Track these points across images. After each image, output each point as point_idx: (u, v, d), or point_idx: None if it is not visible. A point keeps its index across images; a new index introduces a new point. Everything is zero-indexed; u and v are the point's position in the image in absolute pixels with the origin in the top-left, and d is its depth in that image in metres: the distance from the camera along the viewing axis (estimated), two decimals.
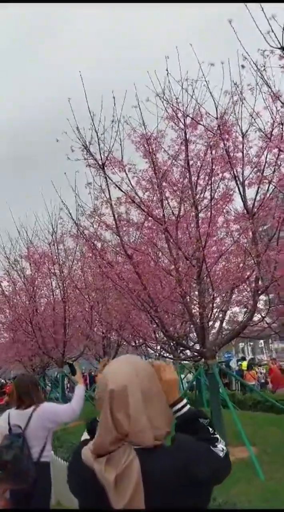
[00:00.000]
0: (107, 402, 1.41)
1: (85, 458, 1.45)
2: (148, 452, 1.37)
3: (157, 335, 12.10)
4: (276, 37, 4.57)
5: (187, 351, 12.34)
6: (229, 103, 6.74)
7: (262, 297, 9.04)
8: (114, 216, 7.40)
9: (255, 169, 7.19)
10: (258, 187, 7.34)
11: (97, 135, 7.42)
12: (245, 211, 7.44)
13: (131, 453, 1.36)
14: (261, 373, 18.93)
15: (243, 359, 23.61)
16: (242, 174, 7.47)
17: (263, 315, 8.64)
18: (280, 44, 4.63)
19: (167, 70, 6.76)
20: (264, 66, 4.87)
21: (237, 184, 7.45)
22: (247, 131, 7.22)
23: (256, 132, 6.98)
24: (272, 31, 4.53)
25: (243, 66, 5.07)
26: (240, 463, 6.67)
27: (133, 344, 12.76)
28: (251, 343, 52.24)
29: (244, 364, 19.87)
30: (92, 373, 24.70)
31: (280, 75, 4.73)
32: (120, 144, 7.66)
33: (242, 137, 7.32)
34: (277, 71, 4.69)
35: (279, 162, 6.91)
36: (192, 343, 9.32)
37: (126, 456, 1.36)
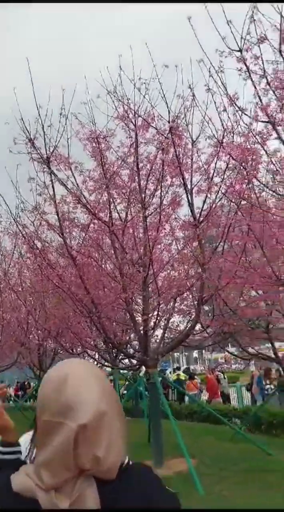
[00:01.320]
0: (71, 438, 1.03)
1: (22, 487, 1.10)
2: (104, 483, 1.08)
3: (97, 343, 11.72)
4: (234, 39, 4.53)
5: (126, 359, 12.08)
6: (182, 107, 6.63)
7: (205, 307, 9.04)
8: (57, 215, 7.00)
9: (204, 176, 7.15)
10: (206, 196, 7.31)
11: (43, 128, 7.01)
12: (192, 218, 7.37)
13: (87, 480, 1.06)
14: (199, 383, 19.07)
15: (178, 368, 23.69)
16: (191, 181, 7.41)
17: (205, 325, 8.61)
18: (238, 46, 4.59)
19: (120, 67, 6.53)
20: (222, 67, 4.81)
21: (185, 191, 7.37)
22: (198, 137, 7.18)
23: (206, 140, 6.95)
24: (231, 32, 4.48)
25: (201, 60, 4.95)
26: (179, 476, 6.48)
27: (71, 352, 12.27)
28: (186, 353, 53.09)
29: (182, 374, 19.93)
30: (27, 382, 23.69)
31: (237, 78, 4.69)
32: (67, 141, 7.32)
33: (192, 144, 7.27)
34: (234, 74, 4.64)
35: (228, 173, 6.92)
36: (134, 351, 9.08)
37: (80, 483, 1.05)
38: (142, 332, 7.28)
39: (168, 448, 7.49)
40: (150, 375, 7.40)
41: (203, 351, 48.99)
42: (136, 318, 7.75)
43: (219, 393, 16.25)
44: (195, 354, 54.13)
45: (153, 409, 7.67)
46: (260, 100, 4.64)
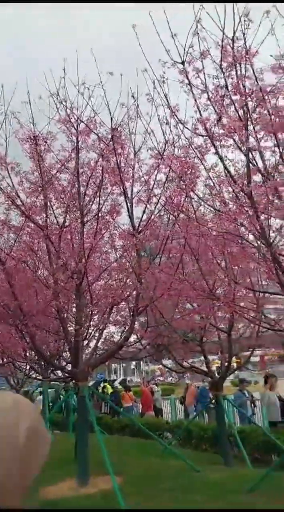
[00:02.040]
0: None
1: None
2: None
3: (27, 354, 11.18)
4: (177, 50, 4.52)
5: (59, 371, 11.65)
6: (125, 116, 6.56)
7: (140, 318, 8.95)
8: None
9: (144, 187, 7.11)
10: (146, 206, 7.27)
11: None
12: (131, 228, 7.29)
13: None
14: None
15: (105, 381, 23.35)
16: (131, 190, 7.35)
17: (139, 336, 8.51)
18: (181, 58, 4.58)
19: (64, 70, 6.35)
20: (164, 78, 4.78)
21: (125, 200, 7.28)
22: (140, 148, 7.14)
23: (148, 151, 6.92)
24: (175, 45, 4.47)
25: (145, 70, 4.90)
26: (103, 495, 6.24)
27: None
28: (124, 364, 52.82)
29: (108, 386, 19.69)
30: None
31: (179, 90, 4.67)
32: (6, 140, 6.98)
33: (134, 154, 7.23)
34: (178, 86, 4.62)
35: (167, 185, 6.93)
36: (65, 363, 8.75)
37: None
38: (73, 342, 7.01)
39: (96, 464, 7.22)
40: (79, 388, 7.12)
41: (141, 362, 49.10)
42: (70, 329, 7.47)
43: (152, 406, 16.21)
44: (132, 365, 54.05)
45: (80, 424, 7.37)
46: (200, 114, 4.67)
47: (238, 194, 4.52)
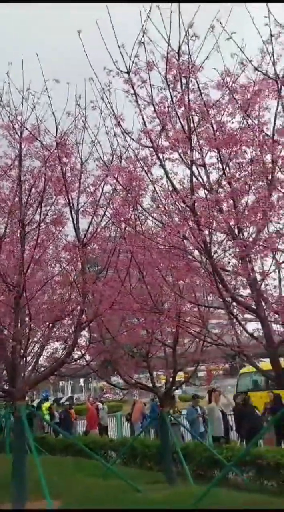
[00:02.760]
0: None
1: None
2: None
3: None
4: (123, 60, 4.47)
5: None
6: (71, 125, 6.41)
7: (84, 333, 8.69)
8: None
9: (91, 198, 6.96)
10: (92, 218, 7.12)
11: None
12: (76, 240, 7.09)
13: None
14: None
15: (46, 399, 22.61)
16: (77, 202, 7.18)
17: (82, 352, 8.23)
18: (127, 68, 4.54)
19: (7, 74, 6.11)
20: (109, 87, 4.71)
21: (70, 211, 7.10)
22: (87, 159, 7.01)
23: (95, 162, 6.81)
24: (121, 53, 4.42)
25: (91, 79, 4.80)
26: None
27: None
28: (72, 382, 51.65)
29: (46, 404, 19.10)
30: None
31: (125, 100, 4.61)
32: None
33: (81, 165, 7.08)
34: (121, 95, 4.56)
35: (113, 197, 6.82)
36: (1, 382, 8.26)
37: None
38: (10, 359, 6.63)
39: (32, 488, 6.82)
40: (16, 408, 6.73)
41: (90, 379, 48.17)
42: (9, 346, 7.08)
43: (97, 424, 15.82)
44: (81, 382, 52.89)
45: (16, 445, 6.95)
46: (145, 125, 4.63)
47: (180, 207, 4.49)
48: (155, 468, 10.59)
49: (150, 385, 9.71)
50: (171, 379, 9.21)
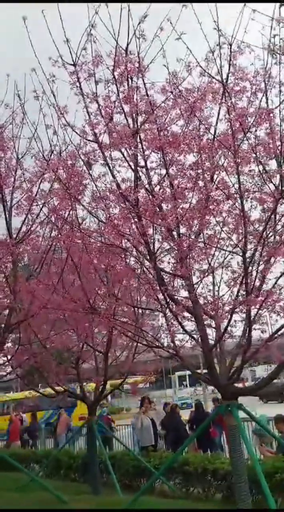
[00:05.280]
0: None
1: None
2: None
3: None
4: (70, 52, 4.39)
5: None
6: (9, 118, 6.17)
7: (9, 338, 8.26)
8: None
9: (26, 195, 6.71)
10: (26, 216, 6.86)
11: None
12: (8, 237, 6.77)
13: None
14: None
15: None
16: (11, 198, 6.89)
17: (9, 357, 7.81)
18: (73, 60, 4.46)
19: None
20: (53, 77, 4.58)
21: (3, 207, 6.79)
22: (24, 154, 6.77)
23: (32, 157, 6.59)
24: (68, 46, 4.33)
25: (33, 70, 4.64)
26: None
27: None
28: None
29: None
30: None
31: (69, 91, 4.51)
32: None
33: (17, 160, 6.82)
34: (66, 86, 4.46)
35: (51, 194, 6.63)
36: None
37: None
38: None
39: None
40: None
41: (12, 390, 45.96)
42: None
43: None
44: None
45: None
46: (89, 117, 4.56)
47: (123, 203, 4.47)
48: (80, 479, 10.30)
49: (79, 393, 9.47)
50: (100, 387, 9.04)
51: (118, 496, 8.27)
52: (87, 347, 8.58)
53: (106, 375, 8.61)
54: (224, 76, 4.18)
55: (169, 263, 4.72)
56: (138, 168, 4.64)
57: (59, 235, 5.95)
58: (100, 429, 12.14)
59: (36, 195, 6.57)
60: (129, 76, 4.33)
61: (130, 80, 4.38)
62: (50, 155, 6.31)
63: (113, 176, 4.61)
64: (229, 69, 4.24)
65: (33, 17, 4.55)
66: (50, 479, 10.52)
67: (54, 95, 4.69)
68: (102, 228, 5.29)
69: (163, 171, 4.55)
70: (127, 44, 4.32)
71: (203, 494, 7.95)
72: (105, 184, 4.76)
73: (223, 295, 5.02)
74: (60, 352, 8.51)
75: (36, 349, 7.94)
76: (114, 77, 4.39)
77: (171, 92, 4.53)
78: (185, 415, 13.12)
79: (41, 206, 6.53)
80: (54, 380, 9.04)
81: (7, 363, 7.70)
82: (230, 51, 4.14)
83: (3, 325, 6.99)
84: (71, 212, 5.60)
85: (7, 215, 6.79)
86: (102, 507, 7.23)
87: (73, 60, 4.49)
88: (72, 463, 10.59)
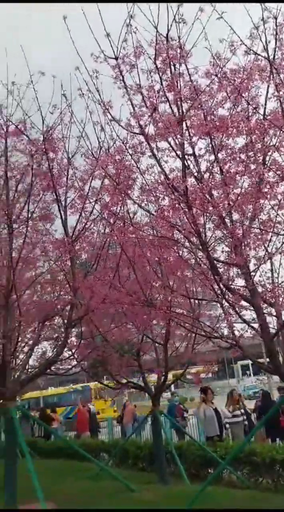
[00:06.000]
0: None
1: None
2: None
3: None
4: (111, 46, 4.39)
5: None
6: (57, 119, 6.31)
7: (74, 332, 8.53)
8: None
9: (79, 194, 6.84)
10: (80, 214, 7.01)
11: None
12: (65, 237, 6.97)
13: None
14: None
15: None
16: (65, 197, 7.06)
17: (73, 351, 8.08)
18: (114, 54, 4.46)
19: None
20: (96, 73, 4.62)
21: (58, 207, 6.98)
22: (74, 153, 6.90)
23: (82, 156, 6.71)
24: (109, 40, 4.33)
25: (77, 68, 4.71)
26: None
27: None
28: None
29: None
30: None
31: (112, 87, 4.53)
32: None
33: (68, 160, 6.97)
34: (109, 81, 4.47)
35: (102, 192, 6.72)
36: None
37: None
38: (0, 359, 6.47)
39: (24, 491, 6.64)
40: (6, 409, 6.55)
41: (78, 382, 47.77)
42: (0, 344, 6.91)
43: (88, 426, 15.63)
44: (70, 385, 52.42)
45: (8, 449, 6.76)
46: (134, 109, 4.54)
47: (172, 193, 4.41)
48: (147, 469, 10.47)
49: (142, 384, 9.60)
50: (162, 378, 9.10)
51: (186, 485, 8.32)
52: (147, 339, 8.66)
53: (167, 366, 8.65)
54: (271, 52, 3.98)
55: (223, 251, 4.62)
56: (185, 156, 4.57)
57: (112, 231, 6.02)
58: (171, 418, 12.28)
59: (88, 193, 6.68)
60: (171, 63, 4.26)
61: (172, 67, 4.31)
62: (99, 152, 6.40)
63: (161, 167, 4.57)
64: (275, 44, 4.04)
65: (74, 16, 4.60)
66: (118, 468, 10.81)
67: (98, 91, 4.73)
68: (153, 221, 5.28)
69: (212, 157, 4.45)
70: (167, 31, 4.26)
71: (272, 485, 7.79)
72: (153, 176, 4.74)
73: (283, 281, 4.84)
74: (121, 344, 8.65)
75: (98, 343, 8.14)
76: (156, 66, 4.35)
77: (216, 75, 4.41)
78: (250, 404, 12.89)
79: (93, 203, 6.62)
80: (117, 372, 9.24)
81: (71, 356, 7.96)
82: (276, 25, 3.94)
83: (66, 321, 7.20)
84: (122, 207, 5.64)
85: (63, 215, 6.95)
86: (171, 496, 7.31)
87: (114, 54, 4.49)
88: (139, 453, 10.79)
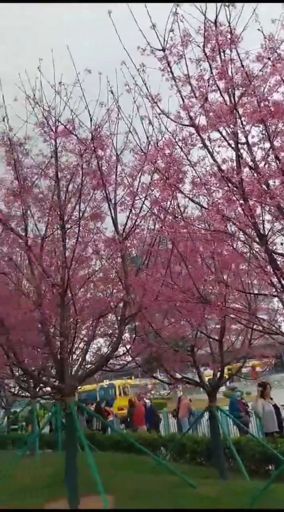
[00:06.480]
0: None
1: None
2: None
3: (14, 371, 10.68)
4: (157, 37, 4.29)
5: (47, 387, 11.15)
6: (105, 115, 6.30)
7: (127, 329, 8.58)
8: None
9: (128, 190, 6.81)
10: (130, 211, 6.98)
11: None
12: (115, 234, 6.98)
13: None
14: None
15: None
16: (115, 195, 7.06)
17: (127, 348, 8.14)
18: (161, 45, 4.36)
19: (39, 68, 6.06)
20: (143, 67, 4.53)
21: (108, 205, 6.99)
22: (123, 150, 6.87)
23: (130, 152, 6.66)
24: (155, 30, 4.24)
25: (123, 63, 4.65)
26: None
27: None
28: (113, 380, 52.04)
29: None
30: None
31: (160, 79, 4.43)
32: None
33: (116, 156, 6.95)
34: (156, 74, 4.38)
35: (152, 187, 6.65)
36: (51, 378, 8.28)
37: None
38: (58, 356, 6.62)
39: (87, 483, 6.79)
40: (66, 404, 6.70)
41: (132, 377, 48.39)
42: (56, 343, 7.08)
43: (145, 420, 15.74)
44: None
45: (69, 443, 6.93)
46: (183, 101, 4.42)
47: (226, 185, 4.25)
48: (205, 464, 10.38)
49: (197, 379, 9.50)
50: (218, 373, 8.94)
51: (246, 481, 8.16)
52: (201, 335, 8.54)
53: (223, 361, 8.48)
54: None
55: (282, 244, 4.40)
56: (239, 145, 4.40)
57: (163, 227, 5.94)
58: (234, 413, 12.06)
59: (137, 189, 6.63)
60: (221, 49, 4.10)
61: (222, 54, 4.14)
62: (147, 147, 6.32)
63: (213, 158, 4.42)
64: None
65: (119, 9, 4.54)
66: (176, 462, 10.80)
67: (145, 84, 4.65)
68: (205, 215, 5.13)
69: (267, 145, 4.24)
70: (216, 16, 4.09)
71: None
72: (205, 168, 4.60)
73: None
74: (176, 340, 8.58)
75: (152, 339, 8.13)
76: (205, 53, 4.19)
77: (268, 58, 4.18)
78: None
79: (143, 199, 6.57)
80: (172, 367, 9.20)
81: (126, 352, 8.01)
82: None
83: (119, 318, 7.24)
84: (172, 202, 5.54)
85: (113, 212, 6.96)
86: (231, 492, 7.17)
87: (161, 45, 4.39)
88: (197, 447, 10.72)
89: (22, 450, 13.14)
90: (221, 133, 4.40)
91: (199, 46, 4.24)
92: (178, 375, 9.63)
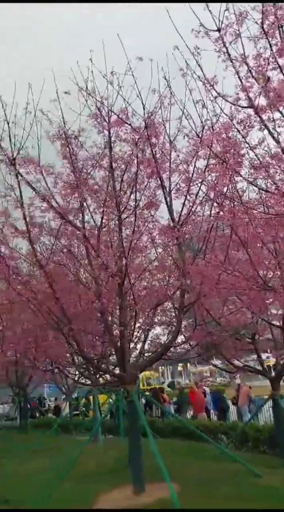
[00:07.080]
0: None
1: None
2: None
3: (75, 359, 11.04)
4: (212, 17, 4.12)
5: (108, 375, 11.43)
6: (158, 102, 6.21)
7: (187, 317, 8.51)
8: (25, 218, 6.43)
9: (183, 176, 6.69)
10: (185, 197, 6.87)
11: (9, 127, 6.50)
12: (171, 222, 6.91)
13: None
14: None
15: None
16: (169, 182, 6.97)
17: (186, 336, 8.10)
18: (217, 26, 4.18)
19: (90, 60, 6.06)
20: (198, 49, 4.39)
21: (163, 192, 6.92)
22: (176, 136, 6.75)
23: (184, 137, 6.53)
24: (209, 9, 4.07)
25: (176, 47, 4.53)
26: (161, 504, 5.88)
27: (44, 368, 11.52)
28: (171, 366, 52.43)
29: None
30: None
31: (216, 61, 4.26)
32: (38, 143, 6.80)
33: (170, 143, 6.85)
34: (211, 56, 4.21)
35: (208, 171, 6.49)
36: (112, 367, 8.46)
37: None
38: (119, 345, 6.72)
39: (150, 470, 6.88)
40: (128, 392, 6.81)
41: (188, 364, 48.42)
42: (115, 332, 7.19)
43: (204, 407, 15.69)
44: (179, 367, 53.41)
45: (131, 430, 7.06)
46: (241, 82, 4.23)
47: None
48: (269, 452, 10.17)
49: (259, 367, 9.30)
50: (281, 361, 8.70)
51: None
52: (262, 321, 8.31)
53: None
54: None
55: None
56: None
57: (221, 212, 5.78)
58: None
59: (192, 175, 6.51)
60: (280, 25, 3.86)
61: (282, 29, 3.91)
62: (202, 131, 6.17)
63: (274, 139, 4.21)
64: None
65: None
66: (239, 450, 10.68)
67: (200, 67, 4.50)
68: (266, 198, 4.93)
69: None
70: None
71: None
72: (265, 150, 4.40)
73: None
74: (236, 328, 8.42)
75: (212, 327, 8.02)
76: (263, 30, 3.98)
77: None
78: None
79: (199, 185, 6.43)
80: (232, 355, 9.06)
81: (186, 341, 7.97)
82: None
83: (177, 306, 7.21)
84: (230, 186, 5.37)
85: (168, 200, 6.89)
86: None
87: (216, 25, 4.22)
88: (259, 435, 10.53)
89: (88, 435, 13.59)
90: (281, 113, 4.18)
91: (257, 23, 4.03)
92: (238, 363, 9.48)
